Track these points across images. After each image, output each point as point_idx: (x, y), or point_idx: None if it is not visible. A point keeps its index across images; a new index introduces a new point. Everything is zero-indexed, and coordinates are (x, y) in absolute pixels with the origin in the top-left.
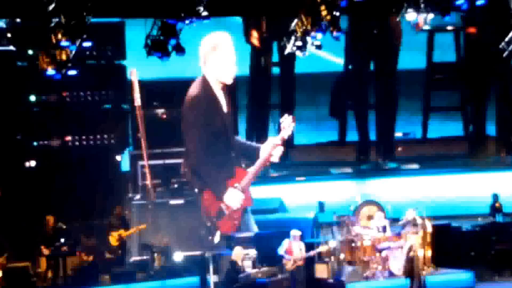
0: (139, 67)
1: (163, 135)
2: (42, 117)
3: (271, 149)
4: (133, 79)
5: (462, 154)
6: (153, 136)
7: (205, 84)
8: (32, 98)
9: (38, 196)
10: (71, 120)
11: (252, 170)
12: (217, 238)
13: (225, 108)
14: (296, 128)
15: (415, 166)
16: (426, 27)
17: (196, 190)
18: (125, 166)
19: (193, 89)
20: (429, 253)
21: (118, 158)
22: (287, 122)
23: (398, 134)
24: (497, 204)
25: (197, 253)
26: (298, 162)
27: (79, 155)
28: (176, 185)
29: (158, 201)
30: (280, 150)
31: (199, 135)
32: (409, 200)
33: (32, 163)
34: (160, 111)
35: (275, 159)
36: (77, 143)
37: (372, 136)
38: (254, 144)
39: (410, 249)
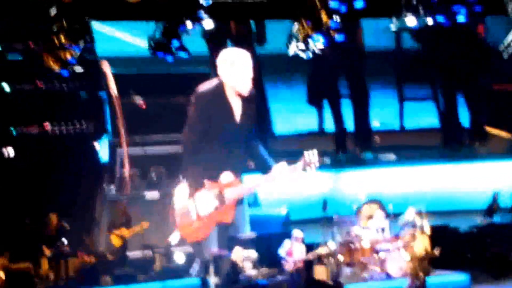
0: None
1: (143, 124)
2: (19, 104)
3: (282, 174)
4: (106, 71)
5: (437, 145)
6: (132, 124)
7: (219, 86)
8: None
9: (26, 190)
10: (47, 108)
11: (246, 185)
12: (173, 239)
13: (237, 116)
14: (278, 116)
15: (392, 156)
16: None
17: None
18: (103, 155)
19: (205, 87)
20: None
21: (96, 146)
22: (313, 159)
23: (375, 124)
24: (494, 206)
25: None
26: (277, 151)
27: (55, 143)
28: (154, 176)
29: (134, 192)
30: (291, 178)
31: (195, 129)
32: (387, 191)
33: (11, 152)
34: (138, 99)
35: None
36: (55, 130)
37: (349, 126)
38: (271, 161)
39: (418, 250)
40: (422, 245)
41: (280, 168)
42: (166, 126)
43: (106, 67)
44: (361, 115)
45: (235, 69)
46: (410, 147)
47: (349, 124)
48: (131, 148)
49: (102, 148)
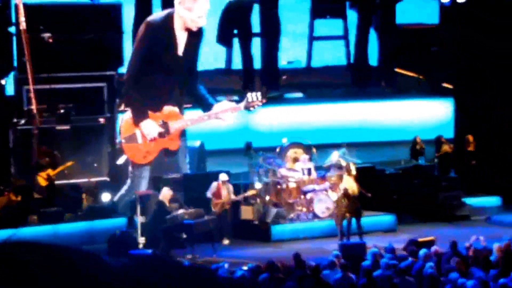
0: None
1: (50, 60)
2: None
3: (224, 111)
4: (18, 2)
5: (344, 83)
6: (39, 60)
7: (169, 19)
8: None
9: None
10: None
11: (188, 118)
12: (120, 160)
13: (180, 49)
14: None
15: (299, 94)
16: None
17: (122, 107)
18: (10, 90)
19: (155, 16)
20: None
21: (2, 82)
22: (256, 100)
23: (283, 63)
24: (418, 146)
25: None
26: None
27: None
28: (62, 110)
29: (44, 126)
30: (232, 116)
31: (140, 57)
32: (293, 128)
33: None
34: (47, 35)
35: (226, 122)
36: None
37: (258, 65)
38: (211, 99)
39: (345, 191)
40: (349, 186)
41: (222, 105)
42: (74, 63)
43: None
44: (270, 54)
45: (196, 4)
46: (317, 85)
47: (257, 62)
48: (39, 85)
49: (8, 84)
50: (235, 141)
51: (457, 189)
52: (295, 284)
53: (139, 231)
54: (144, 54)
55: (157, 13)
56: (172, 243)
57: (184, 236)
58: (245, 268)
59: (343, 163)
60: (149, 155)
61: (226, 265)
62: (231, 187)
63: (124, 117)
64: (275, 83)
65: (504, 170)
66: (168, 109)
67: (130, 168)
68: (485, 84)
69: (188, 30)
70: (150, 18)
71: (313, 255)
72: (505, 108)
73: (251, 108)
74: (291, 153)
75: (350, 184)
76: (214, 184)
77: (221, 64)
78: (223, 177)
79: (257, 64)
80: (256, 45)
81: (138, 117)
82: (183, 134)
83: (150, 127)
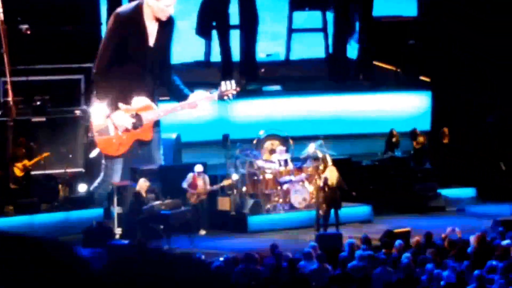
0: None
1: (27, 52)
2: None
3: (198, 100)
4: None
5: (323, 76)
6: (16, 52)
7: (138, 9)
8: None
9: None
10: None
11: (161, 109)
12: (93, 154)
13: (151, 40)
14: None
15: (277, 87)
16: None
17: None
18: None
19: (124, 8)
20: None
21: None
22: (230, 88)
23: (261, 55)
24: (394, 139)
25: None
26: None
27: None
28: (38, 102)
29: (20, 118)
30: (207, 106)
31: (109, 49)
32: (271, 120)
33: None
34: (24, 26)
35: (200, 112)
36: None
37: (236, 57)
38: (186, 90)
39: (325, 181)
40: (329, 176)
41: (196, 95)
42: (51, 55)
43: None
44: (249, 46)
45: None
46: (296, 78)
47: (236, 55)
48: (15, 77)
49: None
50: (214, 133)
51: (432, 181)
52: (271, 275)
53: (115, 222)
54: (114, 46)
55: (126, 5)
56: (149, 234)
57: (161, 227)
58: (221, 259)
59: (320, 155)
60: (121, 147)
61: (202, 256)
62: (207, 178)
63: (95, 110)
64: (253, 75)
65: (479, 162)
66: (140, 100)
67: (103, 161)
68: (461, 77)
69: (158, 20)
70: (119, 10)
71: (290, 246)
72: (481, 101)
73: (225, 97)
74: (267, 144)
75: (331, 174)
76: (190, 175)
77: (200, 57)
78: (198, 168)
79: (235, 56)
80: (235, 37)
81: (109, 109)
82: (156, 125)
83: (121, 118)
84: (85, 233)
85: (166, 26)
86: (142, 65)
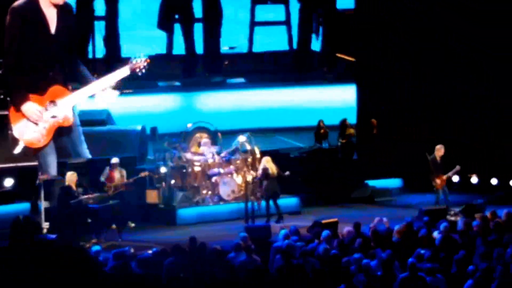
0: None
1: None
2: None
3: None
4: None
5: (286, 69)
6: None
7: None
8: None
9: None
10: None
11: (76, 92)
12: (17, 149)
13: (52, 28)
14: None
15: (240, 79)
16: None
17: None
18: None
19: (18, 1)
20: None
21: None
22: (139, 61)
23: (224, 48)
24: (322, 131)
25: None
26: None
27: None
28: None
29: None
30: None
31: (14, 45)
32: (236, 112)
33: None
34: None
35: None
36: None
37: (200, 50)
38: (93, 78)
39: (265, 171)
40: (269, 166)
41: (108, 76)
42: None
43: None
44: (212, 39)
45: None
46: (259, 70)
47: (199, 47)
48: None
49: None
50: (179, 125)
51: (360, 172)
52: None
53: (43, 216)
54: (18, 40)
55: None
56: (77, 228)
57: (89, 220)
58: (150, 252)
59: (248, 147)
60: (44, 137)
61: (132, 250)
62: (123, 171)
63: (10, 106)
64: (217, 68)
65: (405, 153)
66: (53, 88)
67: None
68: (386, 69)
69: (56, 5)
70: (14, 4)
71: (219, 238)
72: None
73: (137, 70)
74: (196, 137)
75: (270, 165)
76: (107, 169)
77: (162, 50)
78: (114, 160)
79: (199, 49)
80: (197, 30)
81: (18, 102)
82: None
83: (32, 109)
84: (12, 228)
85: (66, 12)
86: (48, 53)
